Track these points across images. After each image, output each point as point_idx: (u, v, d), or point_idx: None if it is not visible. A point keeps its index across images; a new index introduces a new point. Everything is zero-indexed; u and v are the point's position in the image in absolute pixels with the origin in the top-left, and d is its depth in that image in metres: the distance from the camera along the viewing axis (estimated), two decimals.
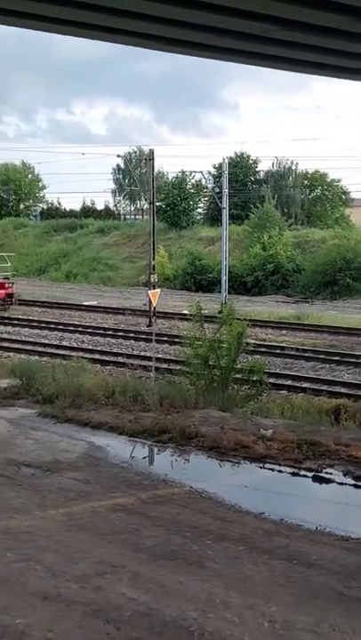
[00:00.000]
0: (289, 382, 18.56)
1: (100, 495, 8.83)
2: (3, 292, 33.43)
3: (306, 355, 22.37)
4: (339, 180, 63.97)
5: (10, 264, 36.51)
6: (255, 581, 6.65)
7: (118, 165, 74.80)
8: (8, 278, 34.61)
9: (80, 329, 27.98)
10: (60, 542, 7.40)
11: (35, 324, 29.42)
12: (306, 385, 18.04)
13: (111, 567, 6.91)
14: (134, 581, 6.60)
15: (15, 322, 30.05)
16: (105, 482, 9.42)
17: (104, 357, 21.58)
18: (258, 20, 9.88)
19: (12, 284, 34.65)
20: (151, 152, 31.98)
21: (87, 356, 20.87)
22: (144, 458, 11.02)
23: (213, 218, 55.74)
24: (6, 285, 33.74)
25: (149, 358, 18.60)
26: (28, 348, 23.32)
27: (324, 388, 17.66)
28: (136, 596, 6.29)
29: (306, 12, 9.57)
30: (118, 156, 65.83)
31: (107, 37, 11.13)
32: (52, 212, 73.60)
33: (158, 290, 23.88)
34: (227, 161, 38.67)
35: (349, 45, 11.18)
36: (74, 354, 20.49)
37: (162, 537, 7.65)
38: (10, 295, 33.83)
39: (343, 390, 17.48)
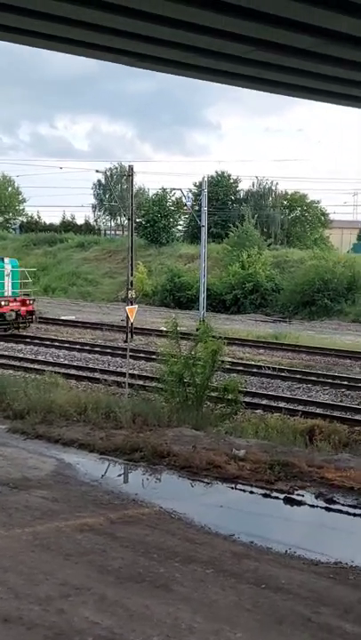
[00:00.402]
0: (265, 402, 18.49)
1: (68, 514, 8.66)
2: (24, 309, 30.48)
3: (282, 374, 22.36)
4: (318, 202, 64.55)
5: (30, 280, 33.75)
6: (222, 606, 6.53)
7: (99, 181, 74.87)
8: (29, 295, 31.86)
9: (57, 343, 27.77)
10: (24, 562, 7.24)
11: (9, 337, 29.16)
12: (282, 405, 17.99)
13: (75, 589, 6.75)
14: (99, 604, 6.46)
15: None
16: (73, 501, 9.26)
17: (80, 373, 21.40)
18: (235, 40, 9.92)
19: (33, 300, 31.93)
20: (130, 168, 32.03)
21: (63, 371, 20.68)
22: (115, 477, 10.86)
23: (193, 235, 55.85)
24: (27, 302, 30.82)
25: (125, 374, 18.45)
26: (2, 362, 23.08)
27: (300, 408, 17.62)
28: (100, 619, 6.15)
29: (281, 33, 9.62)
30: (97, 171, 65.95)
31: (85, 52, 11.12)
32: (32, 226, 73.32)
33: (136, 306, 23.79)
34: (206, 179, 38.77)
35: (324, 68, 11.26)
36: (49, 368, 20.30)
37: (129, 558, 7.51)
38: (31, 313, 31.12)
39: (318, 411, 17.46)
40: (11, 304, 29.84)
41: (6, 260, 31.63)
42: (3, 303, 29.63)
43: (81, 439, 12.02)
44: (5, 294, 30.14)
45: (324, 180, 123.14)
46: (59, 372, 19.21)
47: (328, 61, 11.07)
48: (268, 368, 23.12)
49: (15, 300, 30.19)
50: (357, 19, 9.11)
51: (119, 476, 11.04)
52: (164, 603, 6.51)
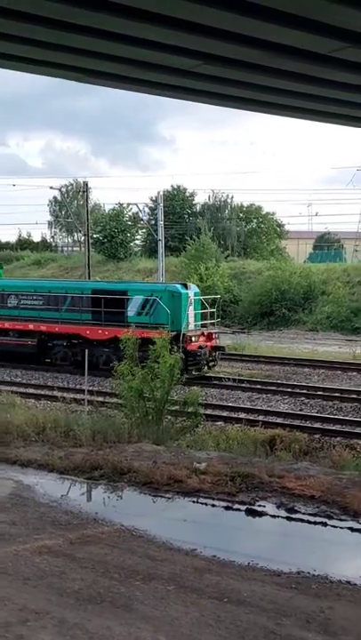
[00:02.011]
0: (225, 413, 18.48)
1: (26, 537, 8.48)
2: (209, 344, 24.33)
3: (243, 385, 22.39)
4: (273, 213, 65.25)
5: (210, 309, 25.75)
6: (184, 623, 6.45)
7: (55, 197, 74.51)
8: (206, 327, 24.87)
9: (3, 362, 27.14)
10: None
11: None
12: (242, 415, 18.00)
13: (35, 614, 6.60)
14: (59, 628, 6.31)
15: None
16: (32, 523, 9.08)
17: (38, 391, 21.12)
18: (182, 54, 9.96)
19: (217, 334, 25.86)
20: (85, 184, 32.08)
21: (21, 390, 20.38)
22: (74, 496, 10.70)
23: (151, 249, 55.92)
24: (213, 336, 24.78)
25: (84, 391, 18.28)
26: None
27: (260, 418, 17.65)
28: None
29: (229, 47, 9.69)
30: (51, 187, 65.35)
31: (29, 69, 11.05)
32: None
33: None
34: (162, 194, 38.93)
35: (272, 80, 11.37)
36: (6, 388, 19.98)
37: (89, 579, 7.37)
38: (217, 348, 24.97)
39: (279, 420, 17.50)
40: (200, 339, 23.87)
41: (192, 286, 25.45)
42: (193, 339, 23.42)
43: (39, 459, 11.84)
44: (190, 327, 23.69)
45: (279, 191, 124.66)
46: (17, 392, 18.92)
47: (276, 74, 11.19)
48: (228, 379, 23.14)
49: (202, 335, 24.15)
50: (301, 31, 9.22)
51: (79, 495, 10.89)
52: (125, 623, 6.40)
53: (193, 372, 22.88)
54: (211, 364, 24.23)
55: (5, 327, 26.79)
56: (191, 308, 23.70)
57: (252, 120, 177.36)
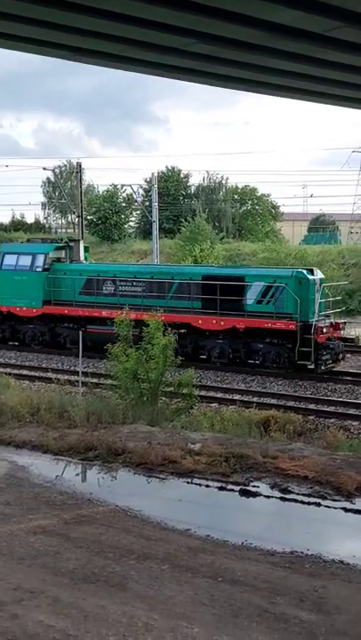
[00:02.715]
0: (220, 395, 18.53)
1: (20, 517, 8.52)
2: (336, 335, 21.73)
3: (236, 368, 22.36)
4: (268, 195, 65.06)
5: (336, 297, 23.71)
6: (178, 602, 6.50)
7: (48, 178, 74.03)
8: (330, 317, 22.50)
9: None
10: None
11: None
12: (237, 397, 18.04)
13: (29, 593, 6.64)
14: (53, 607, 6.36)
15: None
16: (26, 503, 9.12)
17: (32, 373, 21.11)
18: (176, 33, 9.86)
19: (344, 324, 23.35)
20: (79, 165, 31.95)
21: (15, 372, 20.36)
22: (69, 477, 10.73)
23: (146, 231, 55.75)
24: (340, 326, 22.19)
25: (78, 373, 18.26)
26: None
27: (255, 399, 17.69)
28: (54, 622, 6.05)
29: (224, 25, 9.59)
30: (45, 168, 64.99)
31: (22, 47, 10.93)
32: None
33: None
34: (157, 175, 38.71)
35: (266, 60, 11.27)
36: (0, 370, 19.96)
37: (83, 559, 7.42)
38: (343, 340, 22.41)
39: (273, 401, 17.56)
40: (330, 330, 21.25)
41: (317, 272, 22.39)
42: (324, 330, 20.78)
43: (34, 440, 11.87)
44: (317, 317, 20.98)
45: (274, 172, 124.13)
46: (11, 374, 18.91)
47: (271, 54, 11.09)
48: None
49: (331, 325, 21.59)
50: (296, 10, 9.13)
51: (74, 475, 10.92)
52: (120, 602, 6.45)
53: (323, 367, 20.57)
54: (341, 357, 21.42)
55: (103, 315, 23.34)
56: (318, 295, 21.17)
57: (247, 100, 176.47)
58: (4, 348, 25.68)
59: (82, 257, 26.89)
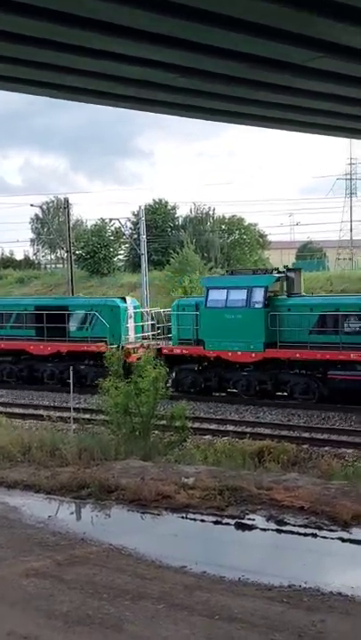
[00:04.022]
0: (213, 426, 18.39)
1: (13, 560, 8.36)
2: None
3: (229, 397, 22.25)
4: (255, 224, 65.47)
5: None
6: None
7: (36, 215, 74.32)
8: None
9: None
10: None
11: None
12: (230, 428, 17.90)
13: (22, 638, 6.48)
14: None
15: None
16: (19, 545, 8.95)
17: (24, 411, 20.90)
18: (160, 68, 9.95)
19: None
20: (66, 201, 31.97)
21: (7, 410, 20.17)
22: (62, 516, 10.57)
23: (135, 264, 55.82)
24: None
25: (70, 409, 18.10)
26: None
27: (248, 430, 17.55)
28: None
29: (206, 59, 9.69)
30: (32, 205, 65.12)
31: (8, 87, 11.01)
32: None
33: None
34: (144, 208, 38.98)
35: (249, 92, 11.39)
36: None
37: (77, 601, 7.26)
38: None
39: (267, 431, 17.43)
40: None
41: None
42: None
43: (26, 480, 11.70)
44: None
45: (260, 202, 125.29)
46: (1, 412, 18.72)
47: (252, 86, 11.20)
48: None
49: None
50: (275, 42, 9.24)
51: (66, 515, 10.76)
52: None
53: None
54: None
55: (351, 359, 19.69)
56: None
57: (231, 132, 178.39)
58: (13, 387, 24.90)
59: (302, 289, 23.22)
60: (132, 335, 23.71)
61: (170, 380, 21.01)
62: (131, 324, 23.71)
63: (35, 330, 24.88)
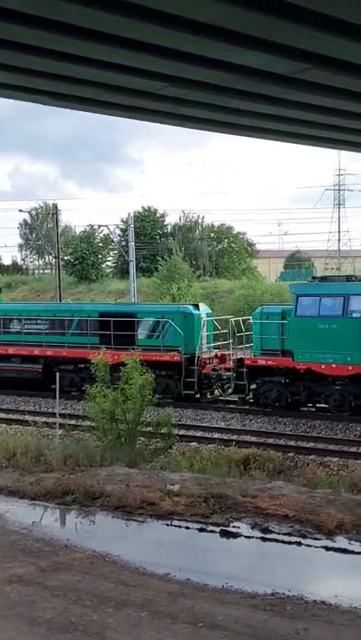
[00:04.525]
0: (199, 433, 18.39)
1: None
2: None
3: (216, 405, 22.28)
4: (244, 233, 65.73)
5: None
6: None
7: (25, 220, 74.31)
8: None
9: None
10: None
11: None
12: (216, 435, 17.90)
13: None
14: None
15: None
16: (2, 551, 8.93)
17: (9, 416, 20.83)
18: (148, 76, 10.00)
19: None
20: (54, 207, 32.05)
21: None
22: (46, 522, 10.53)
23: (123, 270, 55.84)
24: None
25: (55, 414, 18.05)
26: None
27: (234, 437, 17.56)
28: None
29: (193, 69, 9.75)
30: (21, 210, 65.31)
31: None
32: None
33: None
34: (133, 215, 39.01)
35: (236, 102, 11.45)
36: None
37: (60, 608, 7.24)
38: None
39: (253, 439, 17.44)
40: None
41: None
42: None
43: (9, 486, 11.67)
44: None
45: (249, 211, 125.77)
46: None
47: (239, 95, 11.27)
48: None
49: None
50: (264, 53, 9.31)
51: (51, 521, 10.73)
52: None
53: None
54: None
55: None
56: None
57: (220, 141, 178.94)
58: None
59: None
60: (204, 344, 22.12)
61: (251, 393, 20.87)
62: (203, 332, 22.02)
63: (99, 337, 22.97)
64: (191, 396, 21.39)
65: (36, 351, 24.24)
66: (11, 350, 24.61)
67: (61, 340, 23.90)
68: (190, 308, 22.84)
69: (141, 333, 22.55)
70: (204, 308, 23.12)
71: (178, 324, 21.70)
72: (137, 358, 14.62)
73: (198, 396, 21.48)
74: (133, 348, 21.18)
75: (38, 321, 24.81)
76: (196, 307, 22.98)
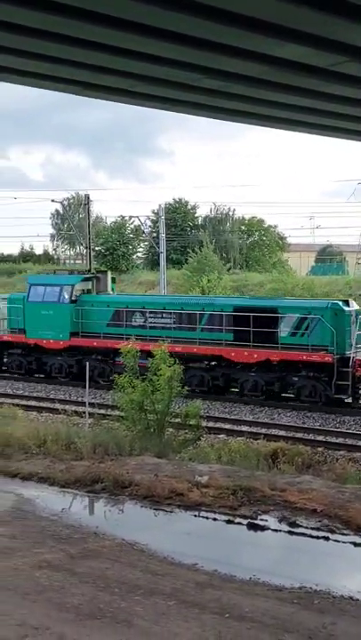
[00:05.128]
0: (228, 426, 18.42)
1: (26, 551, 8.44)
2: None
3: (244, 398, 22.28)
4: (275, 226, 65.37)
5: None
6: (185, 638, 6.40)
7: (57, 210, 74.74)
8: None
9: (6, 375, 26.75)
10: None
11: None
12: (245, 428, 17.92)
13: (34, 629, 6.56)
14: None
15: None
16: (32, 537, 9.04)
17: (40, 404, 21.06)
18: (185, 68, 9.99)
19: None
20: (87, 197, 32.17)
21: (23, 402, 20.34)
22: (75, 510, 10.66)
23: (153, 262, 55.99)
24: None
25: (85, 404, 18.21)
26: None
27: (263, 431, 17.57)
28: None
29: (231, 61, 9.71)
30: (53, 200, 65.67)
31: (34, 83, 11.09)
32: None
33: None
34: (164, 206, 39.03)
35: (272, 94, 11.39)
36: (8, 401, 19.94)
37: (89, 594, 7.33)
38: None
39: (281, 433, 17.44)
40: None
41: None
42: None
43: (40, 472, 11.80)
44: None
45: (281, 204, 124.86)
46: (19, 405, 18.88)
47: (277, 88, 11.22)
48: (231, 393, 23.00)
49: None
50: (303, 46, 9.25)
51: (80, 508, 10.86)
52: (126, 639, 6.35)
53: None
54: None
55: None
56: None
57: (253, 133, 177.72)
58: (28, 379, 25.17)
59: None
60: (354, 344, 20.45)
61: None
62: (353, 330, 20.40)
63: (233, 333, 21.86)
64: (341, 400, 20.08)
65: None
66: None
67: (192, 335, 22.44)
68: (340, 303, 21.26)
69: (284, 330, 21.15)
70: (353, 305, 21.57)
71: (328, 321, 20.29)
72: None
73: (351, 400, 20.08)
74: (275, 347, 20.63)
75: (164, 314, 23.49)
76: (347, 303, 21.53)
